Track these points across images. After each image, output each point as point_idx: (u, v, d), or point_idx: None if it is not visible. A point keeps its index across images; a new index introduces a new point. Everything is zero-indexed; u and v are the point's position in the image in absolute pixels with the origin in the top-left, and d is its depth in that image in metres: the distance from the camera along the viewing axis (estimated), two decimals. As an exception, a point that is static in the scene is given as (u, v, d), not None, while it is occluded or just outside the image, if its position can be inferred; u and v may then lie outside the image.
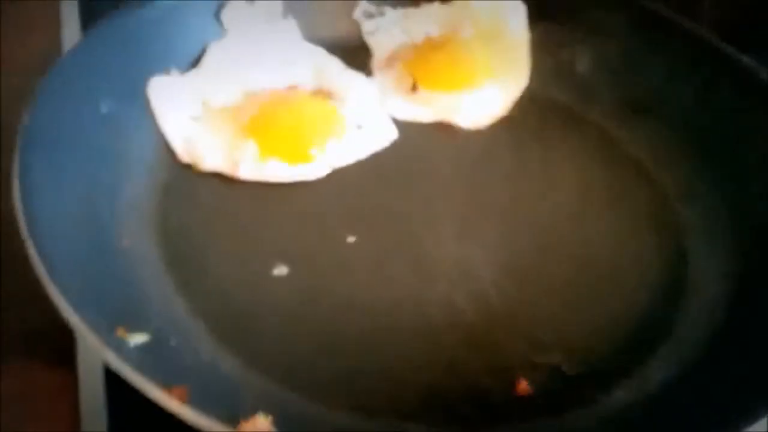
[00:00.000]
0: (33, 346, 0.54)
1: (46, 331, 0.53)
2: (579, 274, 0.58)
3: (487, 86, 0.70)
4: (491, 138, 0.69)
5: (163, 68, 0.66)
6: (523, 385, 0.52)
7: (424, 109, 0.70)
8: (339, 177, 0.65)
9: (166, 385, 0.42)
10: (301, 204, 0.63)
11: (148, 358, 0.45)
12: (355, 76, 0.70)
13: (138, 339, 0.47)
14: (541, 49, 0.71)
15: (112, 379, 0.47)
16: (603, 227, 0.62)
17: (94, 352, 0.45)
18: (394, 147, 0.67)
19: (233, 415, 0.42)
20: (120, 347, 0.45)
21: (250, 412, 0.43)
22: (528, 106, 0.71)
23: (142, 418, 0.46)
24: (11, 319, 0.55)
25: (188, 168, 0.63)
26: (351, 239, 0.60)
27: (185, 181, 0.62)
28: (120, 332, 0.46)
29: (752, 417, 0.45)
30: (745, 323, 0.54)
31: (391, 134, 0.67)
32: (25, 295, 0.50)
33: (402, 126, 0.68)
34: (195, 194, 0.62)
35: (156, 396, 0.42)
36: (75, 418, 0.50)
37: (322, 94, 0.68)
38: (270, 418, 0.44)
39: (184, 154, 0.63)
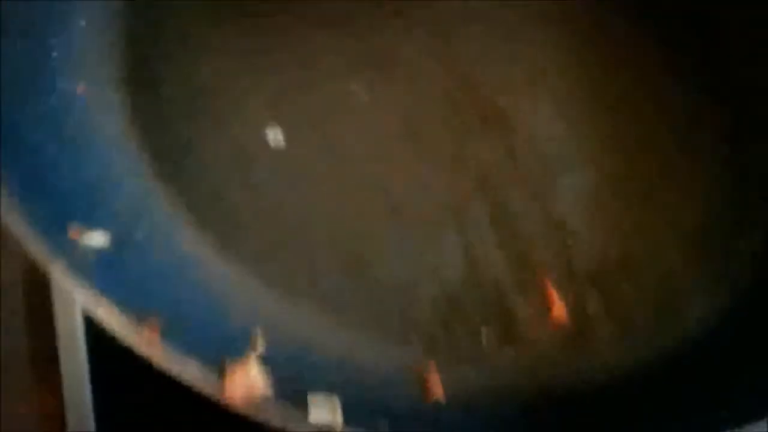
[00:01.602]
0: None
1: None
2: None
3: None
4: None
5: None
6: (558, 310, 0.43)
7: None
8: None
9: (139, 316, 0.32)
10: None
11: (109, 273, 0.35)
12: None
13: (96, 240, 0.36)
14: None
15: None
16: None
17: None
18: None
19: (217, 355, 0.33)
20: (72, 254, 0.34)
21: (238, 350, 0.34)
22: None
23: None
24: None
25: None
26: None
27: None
28: (73, 233, 0.36)
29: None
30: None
31: None
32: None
33: None
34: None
35: (123, 331, 0.32)
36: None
37: None
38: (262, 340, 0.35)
39: None
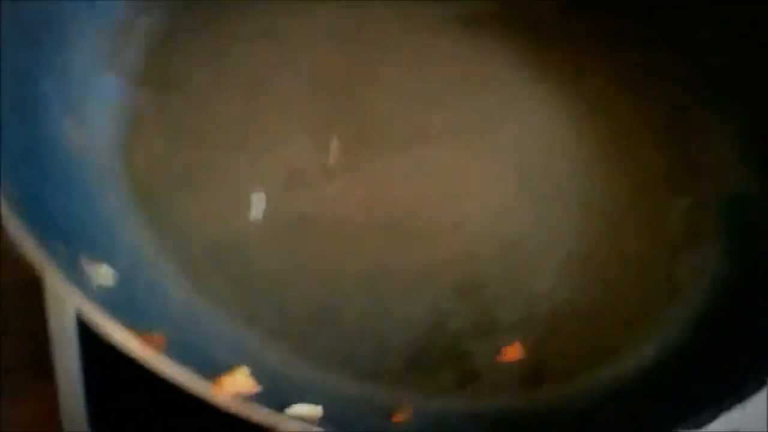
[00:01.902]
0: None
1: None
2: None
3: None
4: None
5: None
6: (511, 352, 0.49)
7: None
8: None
9: (142, 329, 0.37)
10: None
11: (116, 299, 0.40)
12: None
13: (104, 275, 0.42)
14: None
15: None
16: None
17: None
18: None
19: (210, 369, 0.38)
20: (85, 281, 0.40)
21: (227, 367, 0.39)
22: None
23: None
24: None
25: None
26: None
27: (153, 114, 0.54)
28: (84, 262, 0.42)
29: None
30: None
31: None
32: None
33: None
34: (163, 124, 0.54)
35: (127, 343, 0.37)
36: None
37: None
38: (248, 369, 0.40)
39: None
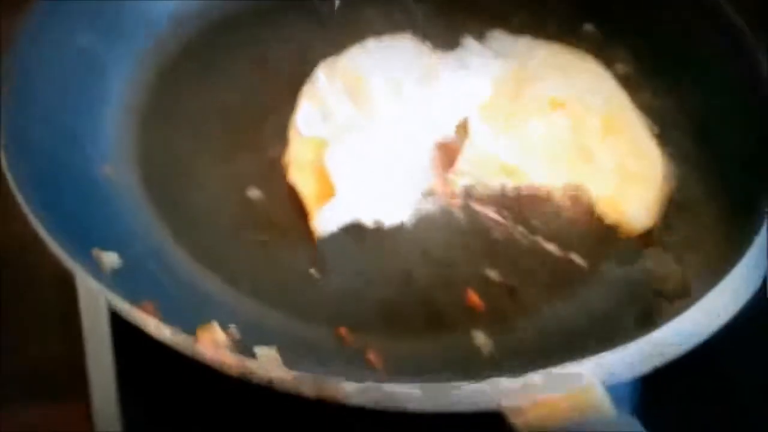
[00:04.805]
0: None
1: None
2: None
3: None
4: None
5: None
6: (474, 298, 0.56)
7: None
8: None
9: (136, 300, 0.47)
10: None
11: (124, 279, 0.50)
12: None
13: (114, 260, 0.52)
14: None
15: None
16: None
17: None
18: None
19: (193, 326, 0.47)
20: (95, 267, 0.50)
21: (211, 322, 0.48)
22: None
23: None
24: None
25: (165, 98, 0.67)
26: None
27: (162, 113, 0.66)
28: (96, 252, 0.51)
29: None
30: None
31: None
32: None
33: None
34: (172, 124, 0.66)
35: (125, 310, 0.46)
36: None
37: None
38: (232, 326, 0.49)
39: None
